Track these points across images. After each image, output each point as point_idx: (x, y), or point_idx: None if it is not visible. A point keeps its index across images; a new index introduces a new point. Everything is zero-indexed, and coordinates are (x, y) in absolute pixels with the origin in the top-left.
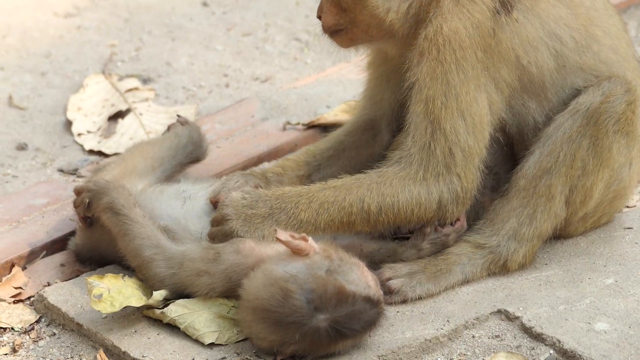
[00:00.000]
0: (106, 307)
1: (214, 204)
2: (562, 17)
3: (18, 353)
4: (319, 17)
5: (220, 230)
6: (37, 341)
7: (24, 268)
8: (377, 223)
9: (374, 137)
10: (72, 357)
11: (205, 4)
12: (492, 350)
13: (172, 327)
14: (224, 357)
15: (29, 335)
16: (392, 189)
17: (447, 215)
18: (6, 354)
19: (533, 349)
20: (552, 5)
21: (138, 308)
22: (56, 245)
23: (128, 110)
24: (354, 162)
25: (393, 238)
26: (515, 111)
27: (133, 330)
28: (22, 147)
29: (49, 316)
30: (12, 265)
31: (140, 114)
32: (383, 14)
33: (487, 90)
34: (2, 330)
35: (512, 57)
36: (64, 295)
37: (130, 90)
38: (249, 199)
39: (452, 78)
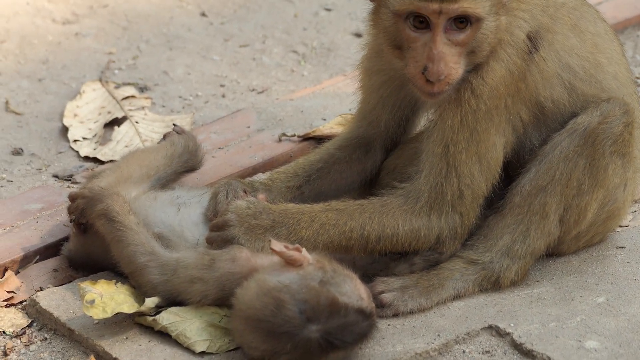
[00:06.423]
0: (98, 313)
1: (212, 219)
2: (573, 47)
3: (9, 357)
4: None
5: (220, 236)
6: (28, 345)
7: (17, 272)
8: (374, 250)
9: (365, 153)
10: None
11: (203, 15)
12: None
13: (164, 335)
14: None
15: (20, 339)
16: (394, 220)
17: (443, 249)
18: None
19: None
20: (566, 37)
21: (130, 315)
22: (49, 251)
23: (124, 118)
24: (345, 175)
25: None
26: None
27: (124, 337)
28: (17, 152)
29: (41, 321)
30: (5, 269)
31: (137, 122)
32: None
33: (505, 133)
34: None
35: (534, 96)
36: (56, 300)
37: (126, 98)
38: (253, 209)
39: (480, 125)
